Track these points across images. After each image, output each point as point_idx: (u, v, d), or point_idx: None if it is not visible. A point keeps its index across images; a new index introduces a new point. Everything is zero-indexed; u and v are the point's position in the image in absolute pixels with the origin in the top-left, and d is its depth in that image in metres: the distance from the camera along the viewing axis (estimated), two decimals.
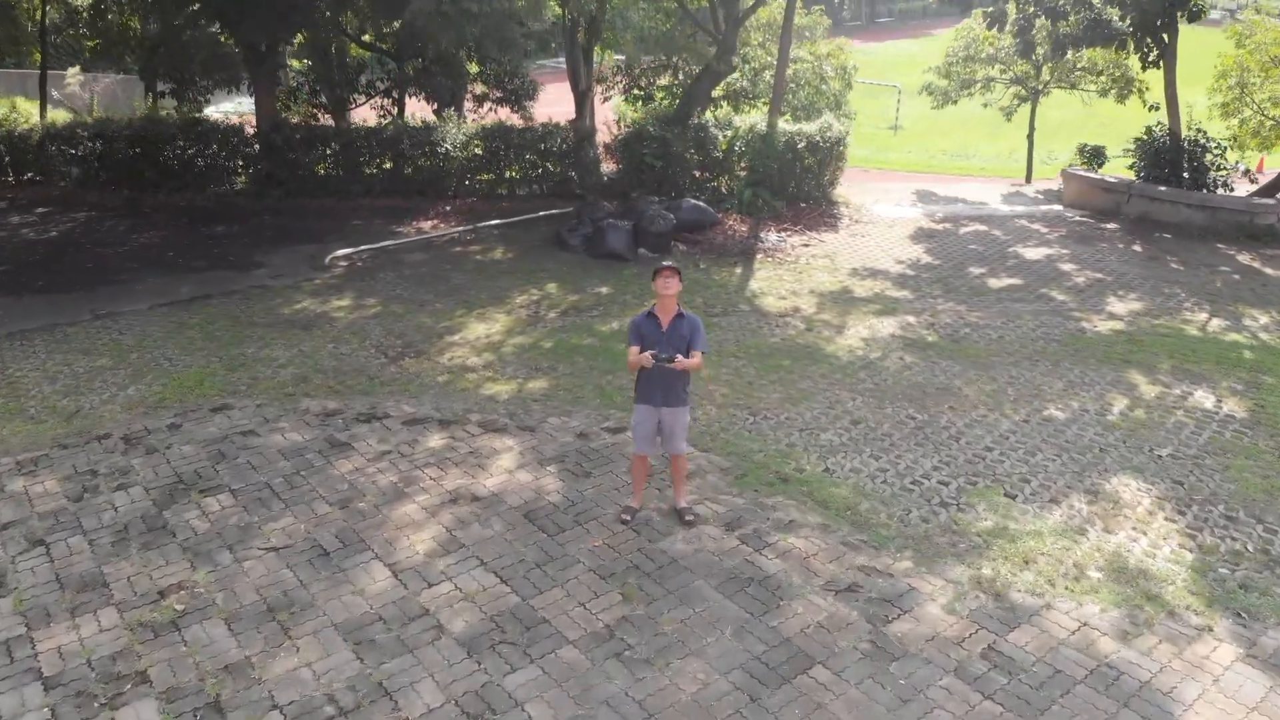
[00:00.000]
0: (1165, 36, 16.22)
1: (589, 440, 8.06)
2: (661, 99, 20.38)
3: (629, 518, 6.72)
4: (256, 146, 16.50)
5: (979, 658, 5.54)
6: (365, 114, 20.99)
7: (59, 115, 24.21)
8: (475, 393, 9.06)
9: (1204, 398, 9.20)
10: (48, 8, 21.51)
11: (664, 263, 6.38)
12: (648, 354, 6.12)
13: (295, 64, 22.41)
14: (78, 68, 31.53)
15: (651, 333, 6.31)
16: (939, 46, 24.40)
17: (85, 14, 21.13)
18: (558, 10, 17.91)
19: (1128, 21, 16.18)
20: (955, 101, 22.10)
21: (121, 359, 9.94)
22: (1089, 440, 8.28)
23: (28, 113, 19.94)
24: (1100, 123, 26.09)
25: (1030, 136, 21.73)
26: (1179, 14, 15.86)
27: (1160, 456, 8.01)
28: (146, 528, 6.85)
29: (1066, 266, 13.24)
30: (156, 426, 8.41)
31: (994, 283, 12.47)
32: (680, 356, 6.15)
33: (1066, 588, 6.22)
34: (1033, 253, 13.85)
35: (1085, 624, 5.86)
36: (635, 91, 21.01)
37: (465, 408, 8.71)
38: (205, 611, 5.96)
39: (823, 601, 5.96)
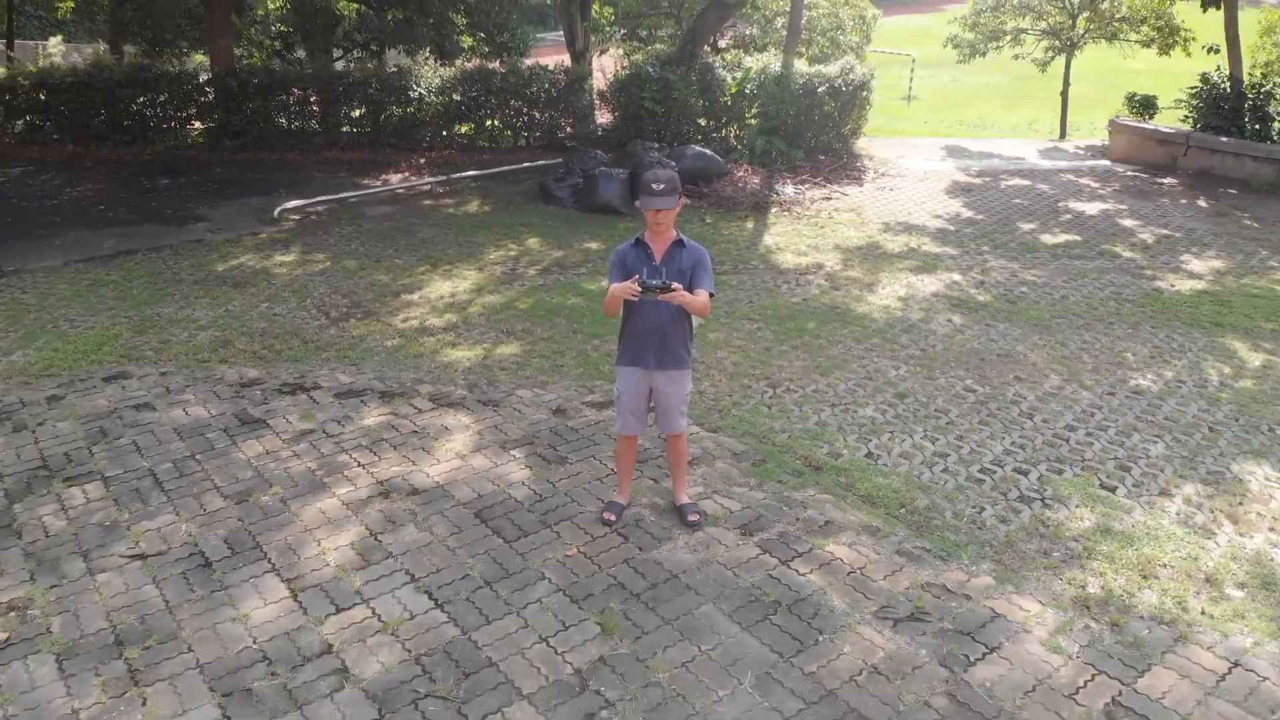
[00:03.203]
0: None
1: (567, 417, 6.41)
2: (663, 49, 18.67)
3: (614, 518, 5.07)
4: (211, 94, 14.78)
5: (1101, 717, 3.91)
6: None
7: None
8: (430, 359, 7.40)
9: None
10: None
11: (658, 154, 4.65)
12: (630, 282, 4.44)
13: (268, 5, 20.73)
14: (60, 37, 29.89)
15: (639, 264, 4.65)
16: (952, 20, 22.64)
17: None
18: None
19: None
20: (984, 54, 20.27)
21: (15, 320, 8.27)
22: (1193, 417, 6.62)
23: None
24: (1127, 87, 24.22)
25: (1064, 93, 19.91)
26: None
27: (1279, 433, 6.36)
28: None
29: (1128, 222, 11.52)
30: (34, 399, 6.76)
31: (1048, 238, 10.76)
32: (679, 286, 4.47)
33: (1203, 611, 4.57)
34: (1087, 207, 12.13)
35: (1238, 663, 4.22)
36: (635, 44, 19.25)
37: (416, 377, 7.05)
38: (34, 643, 4.33)
39: (878, 635, 4.32)
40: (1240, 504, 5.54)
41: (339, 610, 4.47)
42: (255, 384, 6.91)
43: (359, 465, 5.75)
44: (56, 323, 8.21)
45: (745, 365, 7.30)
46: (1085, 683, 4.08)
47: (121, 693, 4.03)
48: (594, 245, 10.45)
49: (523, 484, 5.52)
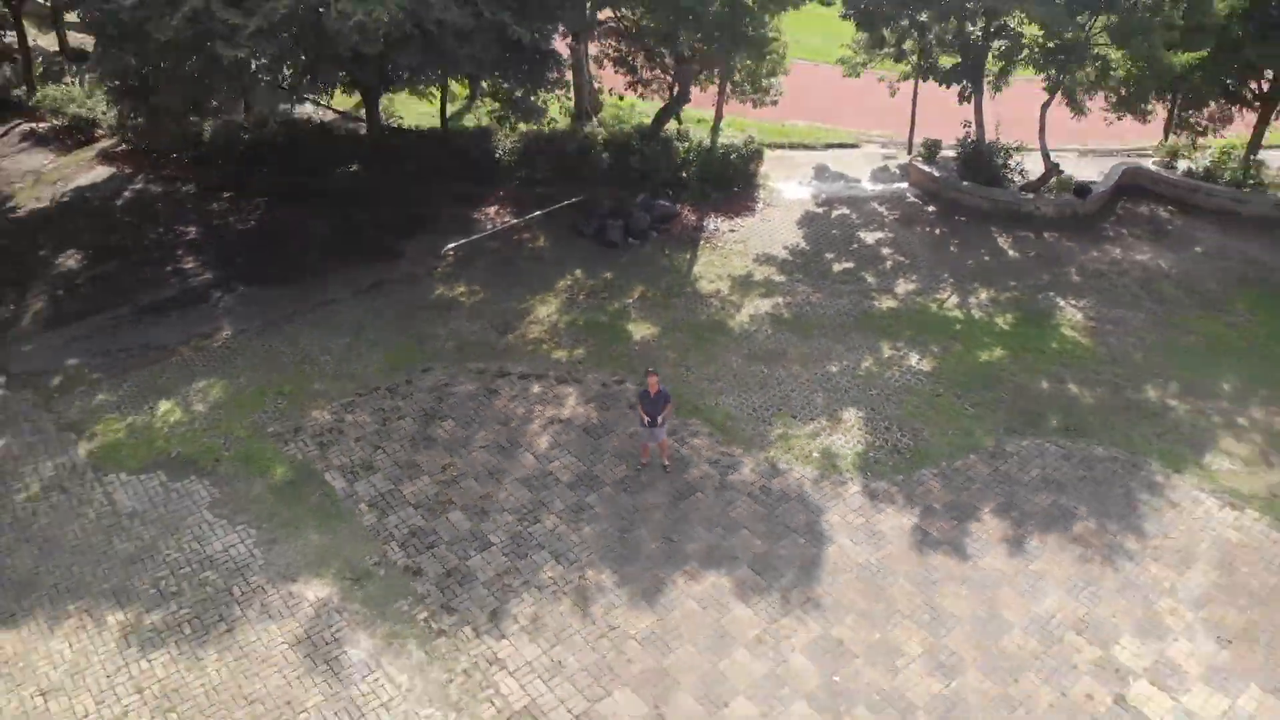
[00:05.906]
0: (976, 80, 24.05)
1: (609, 389, 17.26)
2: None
3: (646, 462, 15.79)
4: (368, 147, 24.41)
5: (757, 489, 15.09)
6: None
7: None
8: (549, 358, 18.12)
9: (914, 358, 18.37)
10: None
11: (650, 369, 15.22)
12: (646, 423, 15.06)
13: None
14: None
15: (646, 401, 15.14)
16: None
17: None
18: None
19: (950, 68, 24.11)
20: (858, 75, 29.46)
21: (357, 337, 18.77)
22: (844, 386, 17.54)
23: None
24: None
25: (913, 114, 29.24)
26: (986, 60, 23.62)
27: (872, 394, 17.32)
28: (422, 438, 16.12)
29: (886, 250, 21.97)
30: (399, 382, 17.48)
31: (836, 267, 21.28)
32: (660, 418, 15.07)
33: (801, 461, 15.69)
34: (870, 236, 22.51)
35: (802, 478, 15.37)
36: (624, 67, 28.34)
37: (547, 367, 17.81)
38: (464, 475, 15.36)
39: (705, 467, 15.44)
40: (837, 424, 16.56)
41: (551, 461, 15.56)
42: (484, 372, 17.65)
43: (540, 409, 16.65)
44: (376, 340, 18.72)
45: (676, 360, 18.06)
46: (752, 483, 15.28)
47: (499, 487, 15.15)
48: (609, 275, 20.84)
49: (597, 418, 16.47)
